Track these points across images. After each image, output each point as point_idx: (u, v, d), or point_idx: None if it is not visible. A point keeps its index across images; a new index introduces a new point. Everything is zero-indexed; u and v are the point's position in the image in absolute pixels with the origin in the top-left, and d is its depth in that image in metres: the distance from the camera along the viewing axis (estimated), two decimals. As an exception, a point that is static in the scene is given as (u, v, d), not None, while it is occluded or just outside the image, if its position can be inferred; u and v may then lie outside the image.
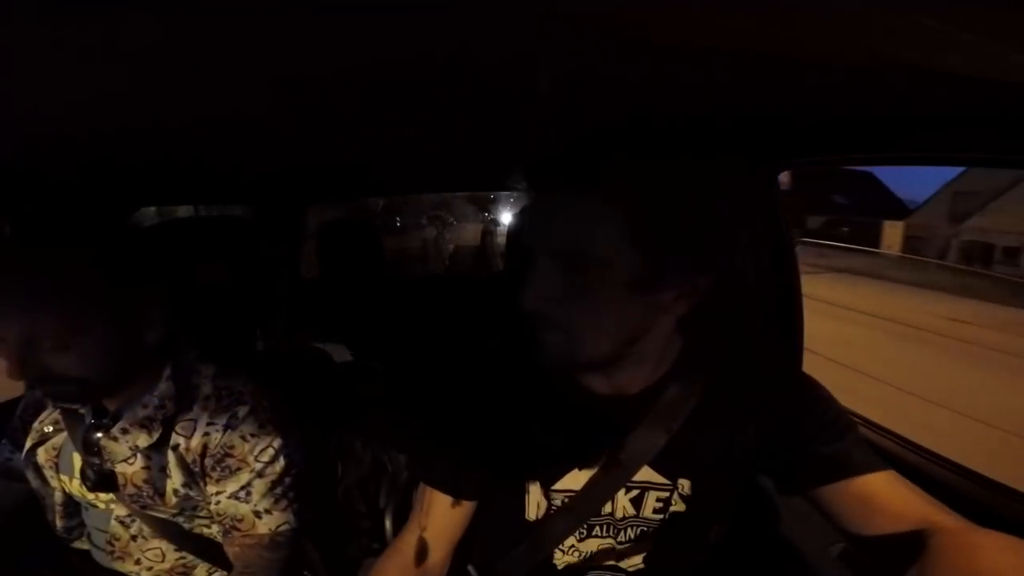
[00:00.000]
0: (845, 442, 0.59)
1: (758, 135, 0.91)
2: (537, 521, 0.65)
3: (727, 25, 0.42)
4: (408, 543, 0.67)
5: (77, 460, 0.78)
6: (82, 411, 0.79)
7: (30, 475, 0.83)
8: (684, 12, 0.40)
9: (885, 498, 0.55)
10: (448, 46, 0.49)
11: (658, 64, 0.54)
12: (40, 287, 0.63)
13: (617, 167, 0.55)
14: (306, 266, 2.01)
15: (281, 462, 0.77)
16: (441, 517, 0.67)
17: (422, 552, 0.66)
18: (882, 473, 0.57)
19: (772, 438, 0.61)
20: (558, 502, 0.64)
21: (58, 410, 0.81)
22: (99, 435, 0.76)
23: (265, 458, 0.76)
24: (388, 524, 1.05)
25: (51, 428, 0.82)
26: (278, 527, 0.77)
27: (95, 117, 0.74)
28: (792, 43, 0.47)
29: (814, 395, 0.63)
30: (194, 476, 0.76)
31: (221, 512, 0.76)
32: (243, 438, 0.76)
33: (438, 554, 0.67)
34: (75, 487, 0.79)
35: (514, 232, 0.61)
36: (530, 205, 0.60)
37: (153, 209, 1.90)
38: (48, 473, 0.81)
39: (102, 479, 0.76)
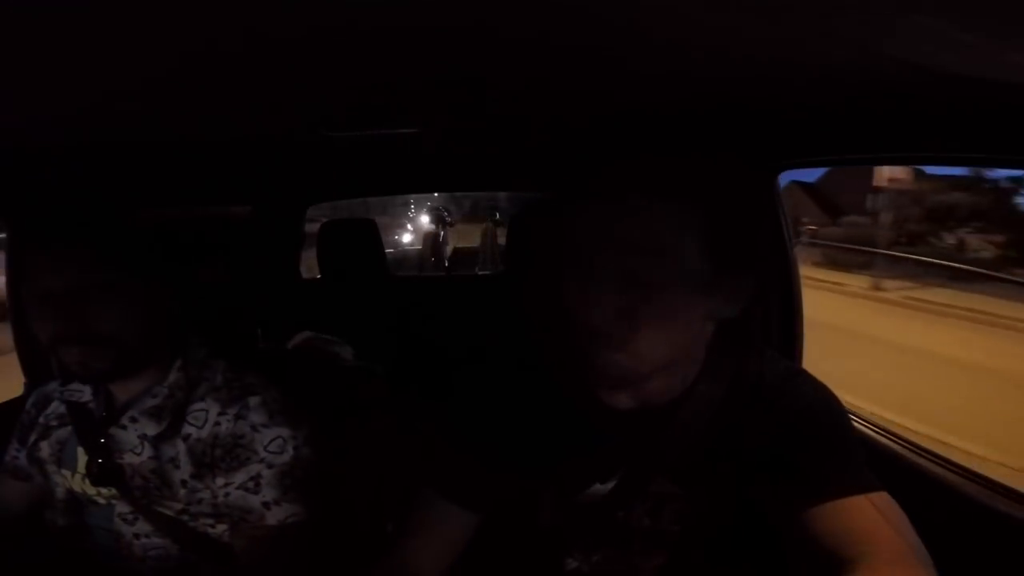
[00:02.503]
0: (833, 458, 0.57)
1: (758, 135, 0.91)
2: (548, 530, 0.64)
3: (727, 26, 0.42)
4: (407, 557, 0.64)
5: (81, 455, 0.78)
6: (90, 405, 0.79)
7: (33, 471, 0.83)
8: (686, 12, 0.41)
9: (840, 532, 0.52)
10: (450, 47, 0.49)
11: (659, 65, 0.55)
12: (92, 240, 0.71)
13: (673, 164, 0.52)
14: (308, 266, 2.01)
15: (290, 453, 0.78)
16: (445, 530, 0.65)
17: (422, 568, 0.64)
18: (862, 501, 0.53)
19: (771, 442, 0.61)
20: (570, 511, 0.63)
21: (64, 404, 0.81)
22: (109, 425, 0.77)
23: (274, 448, 0.77)
24: (389, 525, 1.05)
25: (56, 422, 0.82)
26: (286, 519, 0.77)
27: (96, 118, 0.74)
28: (792, 44, 0.47)
29: (813, 401, 0.62)
30: (204, 467, 0.76)
31: (230, 504, 0.76)
32: (253, 428, 0.76)
33: (439, 569, 0.65)
34: (77, 482, 0.79)
35: (553, 242, 0.53)
36: (577, 210, 0.52)
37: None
38: (50, 468, 0.81)
39: (107, 473, 0.76)
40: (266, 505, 0.76)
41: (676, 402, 0.60)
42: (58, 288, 0.68)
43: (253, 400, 0.78)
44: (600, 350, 0.51)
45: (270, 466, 0.76)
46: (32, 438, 0.83)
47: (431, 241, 6.09)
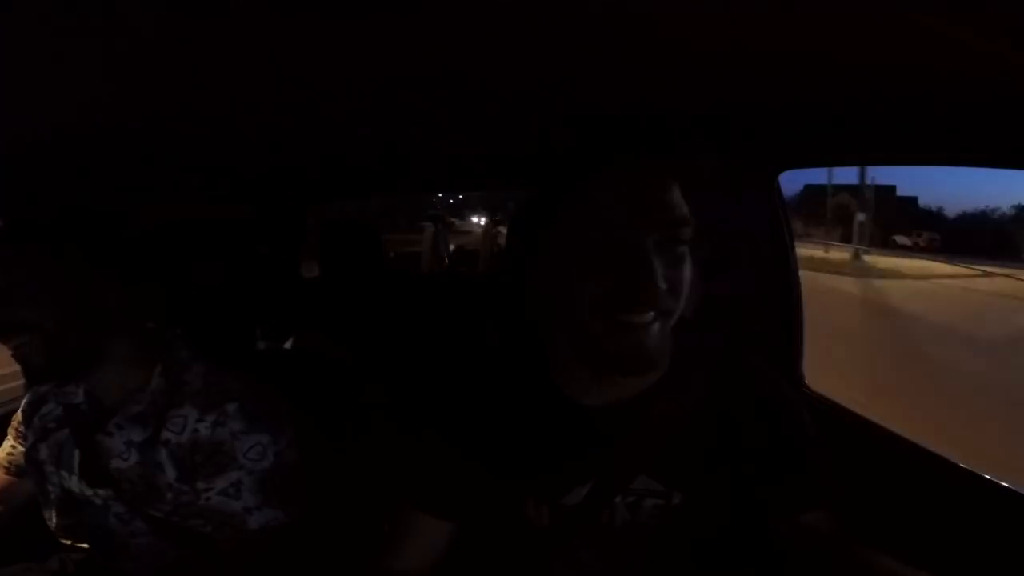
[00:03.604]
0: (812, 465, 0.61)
1: (759, 136, 0.91)
2: (535, 533, 0.64)
3: (728, 26, 0.42)
4: (388, 568, 0.64)
5: (77, 456, 0.79)
6: (83, 407, 0.79)
7: (31, 471, 0.83)
8: (686, 12, 0.40)
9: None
10: (449, 47, 0.49)
11: (659, 65, 0.54)
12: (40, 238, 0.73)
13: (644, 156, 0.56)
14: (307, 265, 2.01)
15: (271, 459, 0.77)
16: (421, 540, 0.65)
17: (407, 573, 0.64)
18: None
19: (764, 444, 0.61)
20: (555, 513, 0.63)
21: (61, 407, 0.81)
22: (97, 430, 0.77)
23: (254, 455, 0.76)
24: (387, 526, 1.05)
25: (53, 424, 0.82)
26: (268, 523, 0.77)
27: (95, 116, 0.74)
28: (793, 44, 0.47)
29: (805, 405, 0.64)
30: (186, 472, 0.76)
31: (212, 509, 0.76)
32: (232, 435, 0.76)
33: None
34: (74, 483, 0.80)
35: (590, 221, 0.53)
36: (613, 189, 0.54)
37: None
38: (48, 469, 0.81)
39: (100, 475, 0.76)
40: (247, 510, 0.76)
41: (646, 398, 0.61)
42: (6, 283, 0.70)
43: (231, 406, 0.77)
44: (646, 324, 0.52)
45: (250, 472, 0.76)
46: (30, 439, 0.83)
47: (430, 240, 6.10)
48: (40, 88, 0.56)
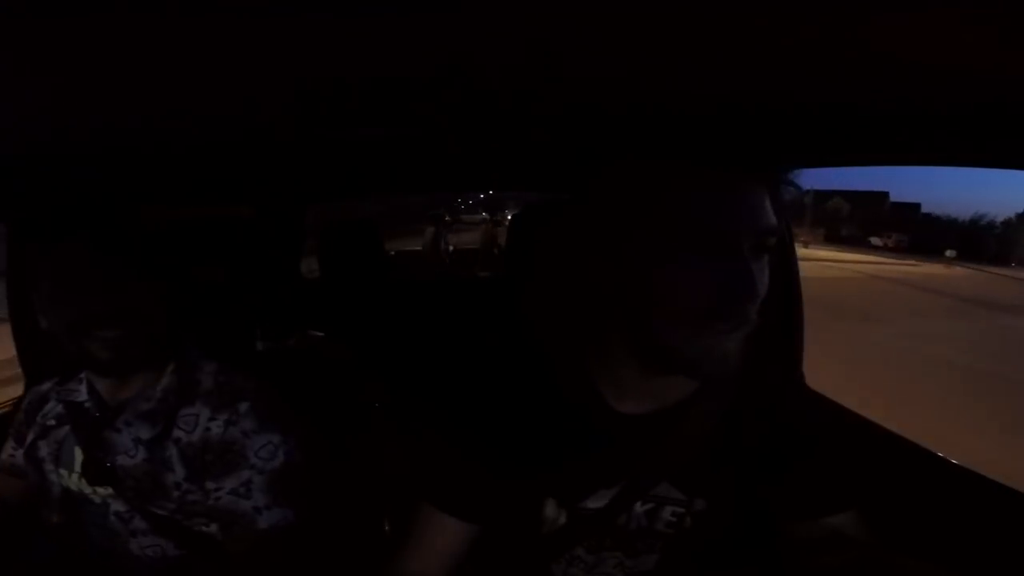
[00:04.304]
0: (825, 470, 0.60)
1: (758, 136, 0.91)
2: (550, 534, 0.63)
3: (728, 25, 0.42)
4: (406, 569, 0.64)
5: (78, 454, 0.79)
6: (87, 404, 0.80)
7: (30, 469, 0.83)
8: (685, 12, 0.40)
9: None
10: (450, 46, 0.49)
11: (658, 64, 0.54)
12: (121, 232, 0.74)
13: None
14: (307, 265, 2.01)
15: (281, 458, 0.78)
16: (443, 542, 0.64)
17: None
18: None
19: (777, 448, 0.61)
20: (573, 516, 0.62)
21: (61, 404, 0.82)
22: (103, 426, 0.77)
23: (264, 455, 0.77)
24: (387, 526, 1.05)
25: (54, 422, 0.82)
26: (277, 523, 0.77)
27: (96, 117, 0.74)
28: (793, 43, 0.47)
29: (807, 406, 0.64)
30: (195, 471, 0.76)
31: (221, 508, 0.76)
32: (244, 434, 0.76)
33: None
34: (74, 481, 0.80)
35: (692, 220, 0.50)
36: (718, 192, 0.52)
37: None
38: (48, 467, 0.82)
39: (103, 472, 0.77)
40: (257, 510, 0.76)
41: (683, 405, 0.60)
42: (95, 276, 0.70)
43: (243, 406, 0.78)
44: (720, 337, 0.50)
45: (260, 472, 0.76)
46: (30, 437, 0.83)
47: (431, 240, 6.11)
48: (40, 88, 0.56)
